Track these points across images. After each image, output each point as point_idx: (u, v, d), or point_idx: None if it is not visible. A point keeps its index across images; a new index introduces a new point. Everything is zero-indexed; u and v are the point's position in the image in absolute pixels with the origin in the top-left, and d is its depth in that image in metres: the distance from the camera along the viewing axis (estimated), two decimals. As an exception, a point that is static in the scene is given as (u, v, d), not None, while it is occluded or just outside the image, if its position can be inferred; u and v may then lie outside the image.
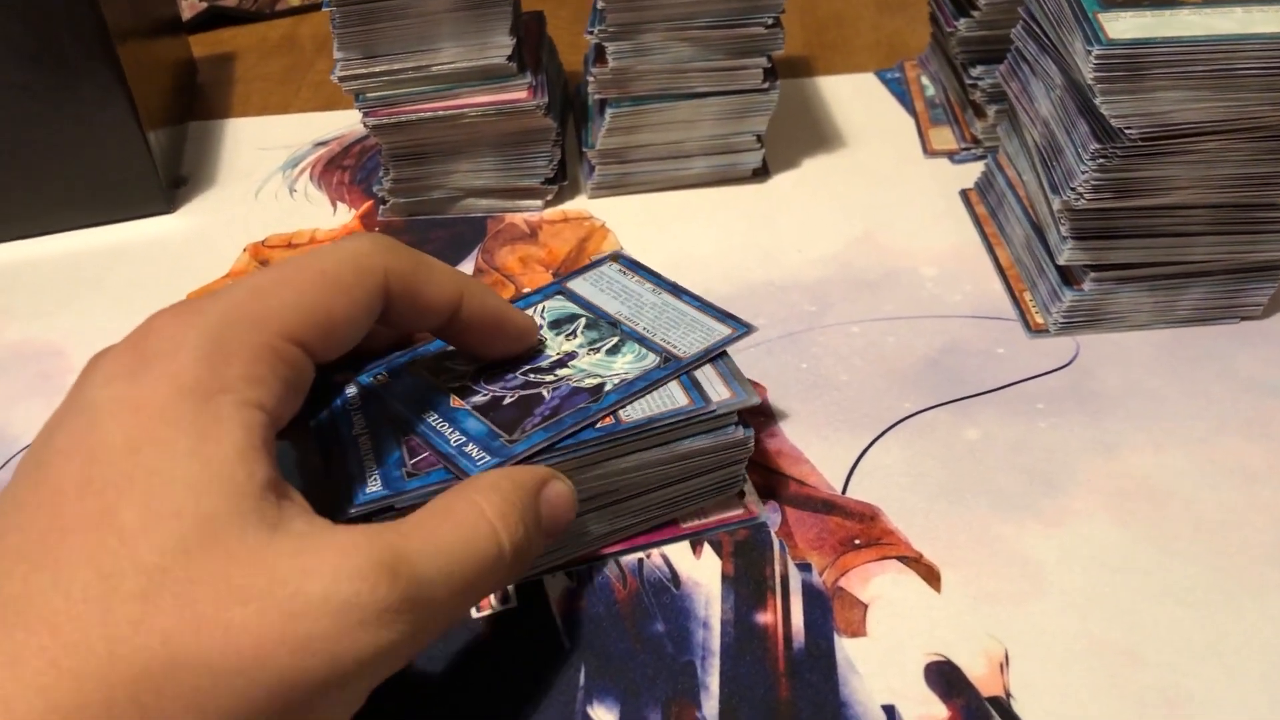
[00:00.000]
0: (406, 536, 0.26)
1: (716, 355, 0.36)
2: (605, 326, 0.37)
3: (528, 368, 0.35)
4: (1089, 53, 0.38)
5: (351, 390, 0.34)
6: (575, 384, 0.34)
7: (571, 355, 0.35)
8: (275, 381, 0.27)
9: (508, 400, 0.34)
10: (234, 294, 0.27)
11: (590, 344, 0.36)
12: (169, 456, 0.24)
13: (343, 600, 0.23)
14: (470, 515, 0.27)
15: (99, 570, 0.22)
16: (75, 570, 0.22)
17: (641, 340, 0.36)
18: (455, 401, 0.34)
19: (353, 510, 0.30)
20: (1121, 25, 0.39)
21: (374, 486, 0.30)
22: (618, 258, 0.41)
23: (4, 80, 0.50)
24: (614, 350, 0.35)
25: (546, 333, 0.37)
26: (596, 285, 0.39)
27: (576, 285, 0.39)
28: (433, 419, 0.33)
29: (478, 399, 0.34)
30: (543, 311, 0.38)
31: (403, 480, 0.31)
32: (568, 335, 0.36)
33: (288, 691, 0.23)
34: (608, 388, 0.34)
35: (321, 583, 0.23)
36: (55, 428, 0.25)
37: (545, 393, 0.34)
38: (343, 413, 0.34)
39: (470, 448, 0.32)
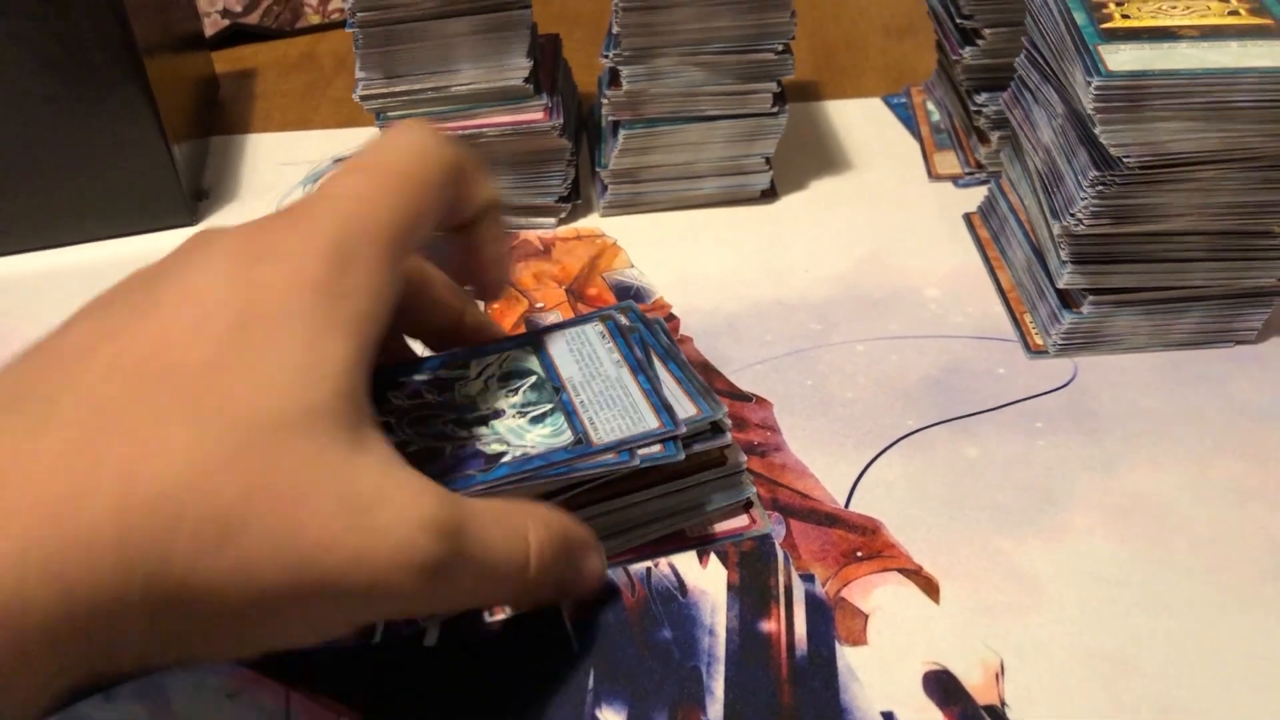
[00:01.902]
0: (466, 511, 0.27)
1: (682, 370, 0.37)
2: (548, 391, 0.36)
3: (454, 417, 0.35)
4: (1089, 83, 0.39)
5: None
6: (479, 446, 0.34)
7: (499, 414, 0.35)
8: (390, 297, 0.27)
9: (412, 448, 0.34)
10: (340, 203, 0.27)
11: (522, 406, 0.36)
12: (284, 340, 0.24)
13: (400, 540, 0.24)
14: (518, 529, 0.28)
15: (192, 415, 0.23)
16: (171, 409, 0.23)
17: (570, 414, 0.35)
18: None
19: None
20: (1121, 57, 0.40)
21: None
22: (628, 310, 0.40)
23: (33, 93, 0.51)
24: (538, 419, 0.35)
25: (494, 384, 0.37)
26: (570, 344, 0.38)
27: (552, 339, 0.39)
28: None
29: (391, 438, 0.33)
30: (503, 360, 0.38)
31: None
32: (509, 391, 0.36)
33: (318, 588, 0.24)
34: (505, 458, 0.34)
35: (390, 515, 0.24)
36: (164, 274, 0.25)
37: (447, 448, 0.34)
38: None
39: None
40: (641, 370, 0.37)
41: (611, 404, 0.36)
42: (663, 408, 0.35)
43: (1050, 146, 0.45)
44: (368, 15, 0.49)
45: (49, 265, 0.55)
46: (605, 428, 0.35)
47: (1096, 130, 0.40)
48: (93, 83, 0.52)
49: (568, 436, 0.34)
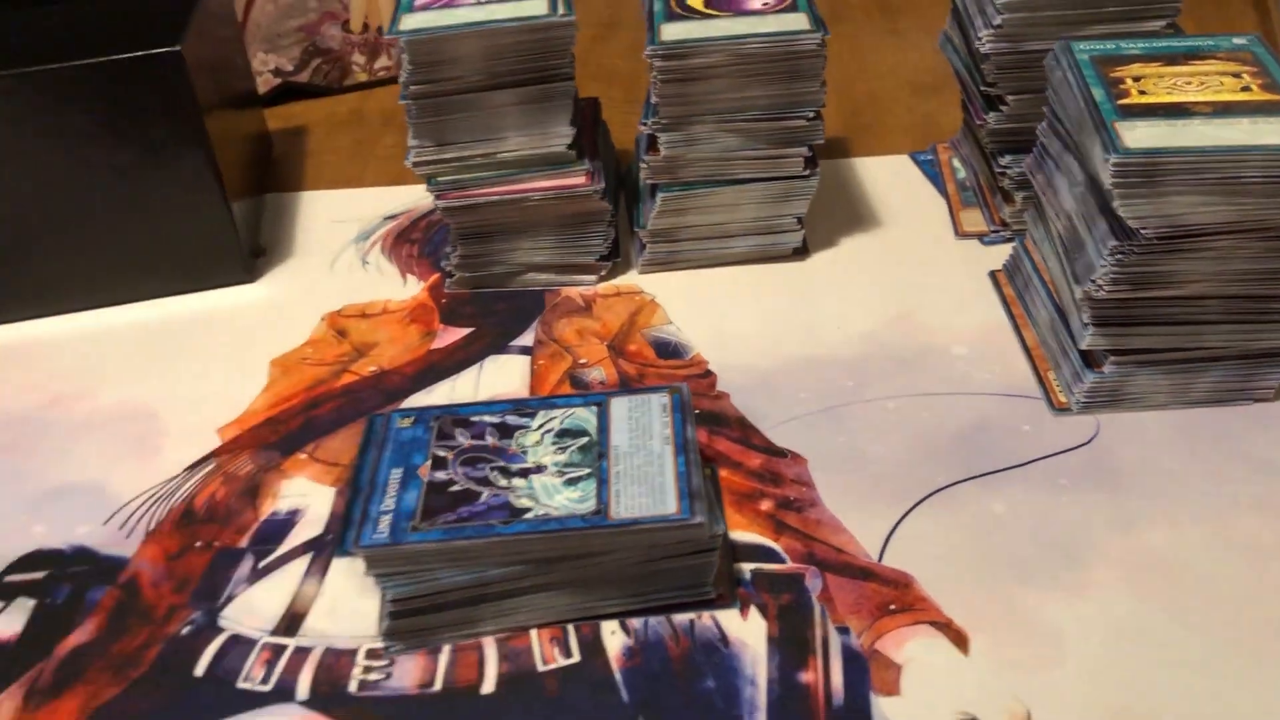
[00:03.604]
0: None
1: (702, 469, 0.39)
2: (592, 455, 0.39)
3: (502, 464, 0.39)
4: (1107, 160, 0.42)
5: (402, 425, 0.40)
6: (510, 499, 0.38)
7: (540, 469, 0.39)
8: None
9: (455, 487, 0.38)
10: None
11: (564, 466, 0.39)
12: None
13: None
14: None
15: None
16: None
17: (602, 483, 0.38)
18: (423, 470, 0.39)
19: (357, 550, 0.36)
20: (1137, 134, 0.42)
21: (382, 532, 0.36)
22: (679, 391, 0.42)
23: (96, 160, 0.54)
24: (572, 482, 0.38)
25: (548, 439, 0.40)
26: (632, 410, 0.41)
27: (618, 402, 0.42)
28: (397, 475, 0.38)
29: (439, 474, 0.38)
30: (567, 416, 0.41)
31: (406, 532, 0.36)
32: (559, 449, 0.40)
33: None
34: (528, 515, 0.37)
35: None
36: None
37: (484, 494, 0.38)
38: (375, 455, 0.40)
39: (383, 521, 0.37)
40: (684, 451, 0.39)
41: (643, 480, 0.38)
42: (687, 494, 0.38)
43: (1071, 213, 0.47)
44: (420, 89, 0.52)
45: (114, 322, 0.57)
46: (627, 504, 0.38)
47: (1115, 204, 0.42)
48: (156, 147, 0.55)
49: (590, 505, 0.37)
